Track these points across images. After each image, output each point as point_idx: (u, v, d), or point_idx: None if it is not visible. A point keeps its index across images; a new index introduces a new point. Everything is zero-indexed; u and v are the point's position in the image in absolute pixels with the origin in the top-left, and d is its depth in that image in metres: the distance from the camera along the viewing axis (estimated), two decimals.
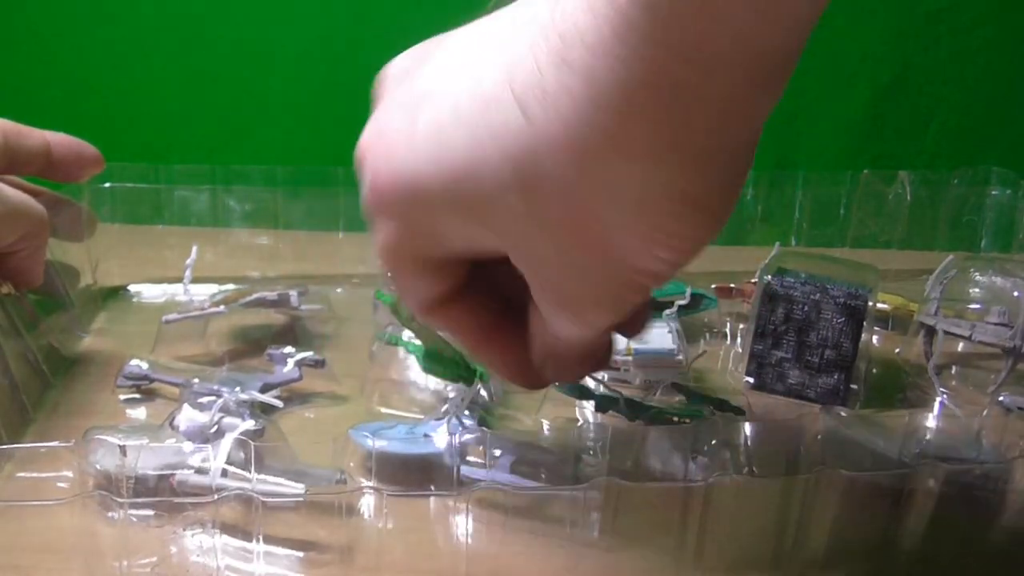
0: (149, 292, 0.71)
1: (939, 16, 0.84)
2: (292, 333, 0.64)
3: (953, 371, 0.62)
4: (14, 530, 0.41)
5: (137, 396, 0.55)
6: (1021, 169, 0.75)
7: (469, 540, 0.41)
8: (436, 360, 0.56)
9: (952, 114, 0.88)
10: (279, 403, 0.49)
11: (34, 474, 0.41)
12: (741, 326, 0.68)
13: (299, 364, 0.56)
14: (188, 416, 0.45)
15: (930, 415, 0.57)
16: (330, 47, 0.84)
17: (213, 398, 0.46)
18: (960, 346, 0.63)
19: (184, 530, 0.40)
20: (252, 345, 0.62)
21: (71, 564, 0.40)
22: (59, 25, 0.82)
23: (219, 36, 0.83)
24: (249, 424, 0.44)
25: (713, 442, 0.50)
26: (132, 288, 0.71)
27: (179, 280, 0.65)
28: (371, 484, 0.39)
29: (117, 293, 0.71)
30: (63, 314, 0.62)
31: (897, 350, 0.65)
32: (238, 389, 0.47)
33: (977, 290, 0.73)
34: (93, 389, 0.57)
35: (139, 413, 0.54)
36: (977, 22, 0.85)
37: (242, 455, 0.43)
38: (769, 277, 0.59)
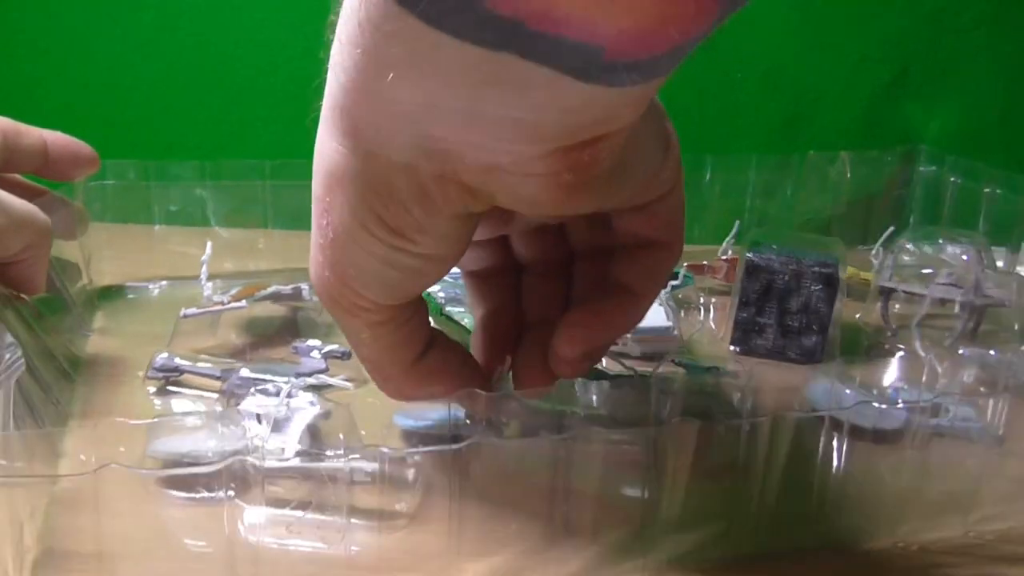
0: (144, 289, 0.71)
1: (939, 16, 0.89)
2: (305, 325, 0.66)
3: (911, 328, 0.69)
4: (92, 517, 0.41)
5: (171, 388, 0.56)
6: (1021, 168, 0.79)
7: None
8: None
9: (952, 115, 0.93)
10: (349, 385, 0.51)
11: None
12: (714, 299, 0.74)
13: (325, 356, 0.57)
14: (255, 401, 0.46)
15: (895, 367, 0.64)
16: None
17: (278, 382, 0.48)
18: (911, 305, 0.70)
19: (264, 506, 0.41)
20: (264, 338, 0.64)
21: (149, 544, 0.41)
22: (54, 23, 0.80)
23: (216, 34, 0.83)
24: (317, 408, 0.46)
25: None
26: (127, 285, 0.71)
27: (182, 278, 0.65)
28: (488, 429, 0.41)
29: (111, 291, 0.71)
30: (67, 314, 0.62)
31: (857, 315, 0.71)
32: (296, 376, 0.49)
33: (914, 259, 0.80)
34: (116, 385, 0.57)
35: (175, 405, 0.55)
36: (977, 22, 0.89)
37: (311, 437, 0.46)
38: (750, 254, 0.65)
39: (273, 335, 0.64)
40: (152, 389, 0.56)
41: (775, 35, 0.90)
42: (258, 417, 0.46)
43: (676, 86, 0.96)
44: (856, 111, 0.93)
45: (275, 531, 0.43)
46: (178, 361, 0.56)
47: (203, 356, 0.60)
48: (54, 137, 0.60)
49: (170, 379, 0.56)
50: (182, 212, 0.72)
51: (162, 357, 0.56)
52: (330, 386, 0.50)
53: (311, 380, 0.48)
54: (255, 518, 0.43)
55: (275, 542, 0.43)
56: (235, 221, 0.74)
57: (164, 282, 0.71)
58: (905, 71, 0.91)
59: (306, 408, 0.46)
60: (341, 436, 0.42)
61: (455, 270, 0.70)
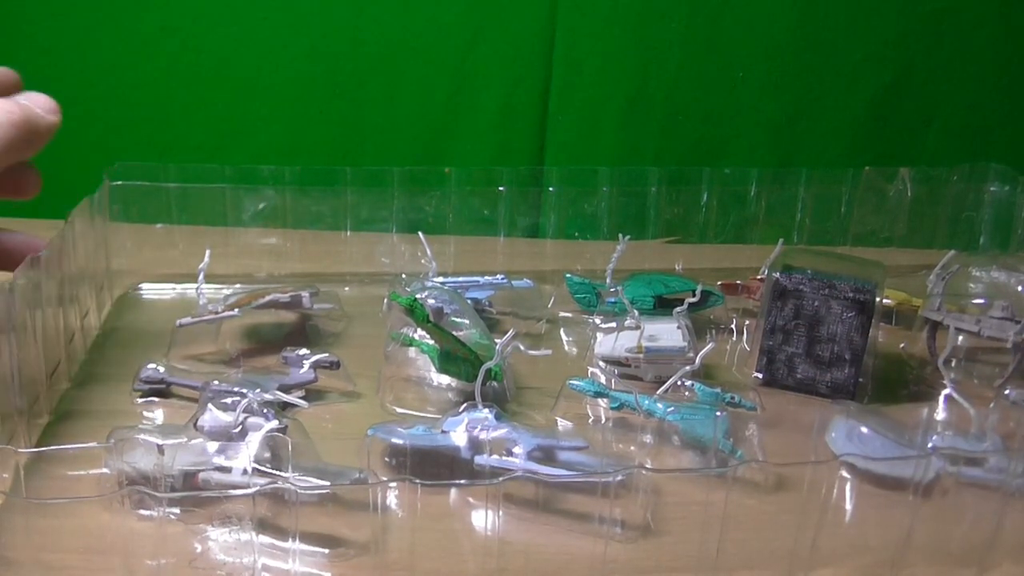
0: (159, 291, 0.71)
1: (941, 16, 0.85)
2: (304, 333, 0.65)
3: (952, 364, 0.63)
4: (51, 529, 0.41)
5: (154, 399, 0.55)
6: (1022, 168, 0.75)
7: (498, 531, 0.42)
8: (451, 361, 0.56)
9: (954, 114, 0.88)
10: (304, 404, 0.49)
11: (70, 472, 0.41)
12: (747, 322, 0.69)
13: (314, 366, 0.56)
14: (212, 416, 0.45)
15: (939, 408, 0.58)
16: (335, 46, 0.84)
17: (236, 399, 0.46)
18: (960, 339, 0.64)
19: (218, 526, 0.40)
20: (265, 345, 0.63)
21: (108, 561, 0.40)
22: (55, 24, 0.82)
23: (226, 35, 0.83)
24: (274, 423, 0.45)
25: (732, 436, 0.51)
26: (143, 287, 0.71)
27: (189, 278, 0.65)
28: (402, 477, 0.39)
29: (128, 292, 0.71)
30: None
31: (902, 345, 0.66)
32: (258, 390, 0.47)
33: (978, 285, 0.74)
34: (108, 390, 0.57)
35: (156, 415, 0.54)
36: (979, 22, 0.85)
37: (266, 454, 0.44)
38: (777, 274, 0.60)
39: (275, 343, 0.62)
40: (139, 400, 0.55)
41: (776, 34, 0.86)
42: (208, 435, 0.44)
43: (678, 85, 0.93)
44: (858, 110, 0.88)
45: (239, 549, 0.41)
46: (163, 372, 0.55)
47: (195, 364, 0.59)
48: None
49: (156, 389, 0.55)
50: (201, 214, 0.72)
51: (148, 369, 0.55)
52: (288, 404, 0.49)
53: (268, 396, 0.46)
54: (220, 535, 0.41)
55: (235, 557, 0.42)
56: (255, 223, 0.73)
57: (180, 283, 0.71)
58: (906, 71, 0.86)
59: (262, 425, 0.44)
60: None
61: (456, 278, 0.68)
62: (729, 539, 0.42)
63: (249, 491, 0.39)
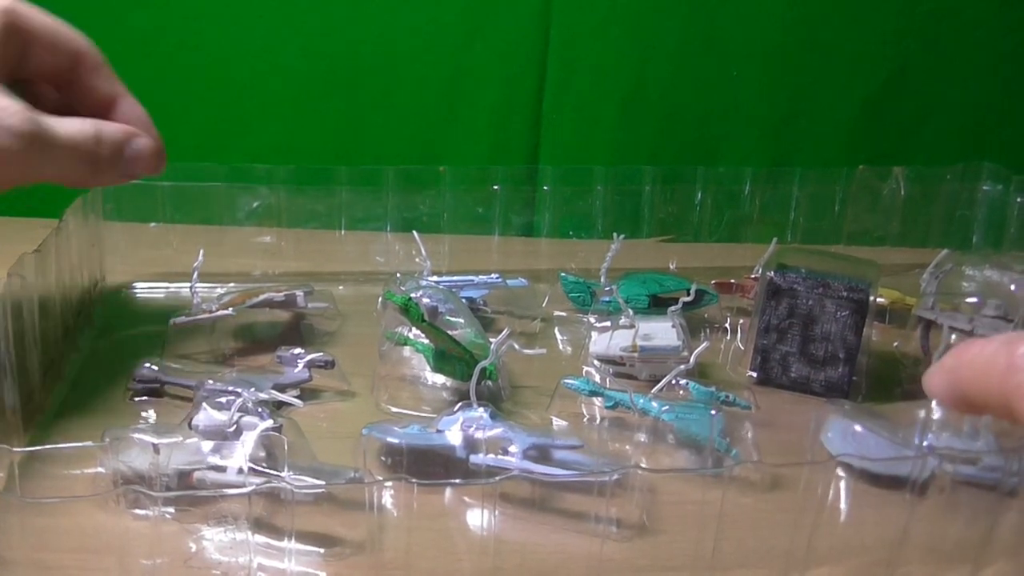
0: (154, 290, 0.71)
1: (937, 16, 0.85)
2: (298, 332, 0.65)
3: None
4: (46, 528, 0.41)
5: (148, 398, 0.55)
6: (1018, 167, 0.76)
7: (493, 530, 0.42)
8: (446, 360, 0.56)
9: (948, 113, 0.89)
10: (299, 403, 0.49)
11: (65, 472, 0.41)
12: (741, 321, 0.69)
13: (309, 365, 0.56)
14: (207, 416, 0.45)
15: (932, 406, 0.58)
16: (330, 46, 0.84)
17: (231, 398, 0.46)
18: (954, 337, 0.64)
19: (213, 525, 0.40)
20: (260, 344, 0.63)
21: (103, 561, 0.40)
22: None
23: (220, 35, 0.83)
24: (269, 423, 0.45)
25: (727, 435, 0.51)
26: (137, 286, 0.71)
27: (183, 278, 0.65)
28: (398, 476, 0.40)
29: (122, 291, 0.71)
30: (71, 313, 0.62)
31: (895, 343, 0.66)
32: (253, 389, 0.47)
33: (971, 284, 0.74)
34: (103, 389, 0.57)
35: (150, 414, 0.54)
36: (974, 23, 0.86)
37: (261, 453, 0.44)
38: (771, 273, 0.60)
39: (270, 342, 0.62)
40: (133, 399, 0.55)
41: (772, 34, 0.86)
42: (203, 434, 0.44)
43: (673, 83, 0.93)
44: (852, 110, 0.89)
45: (234, 549, 0.41)
46: (157, 371, 0.55)
47: (190, 363, 0.59)
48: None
49: (151, 389, 0.55)
50: (196, 213, 0.72)
51: (144, 368, 0.55)
52: (283, 403, 0.49)
53: (262, 395, 0.47)
54: (215, 534, 0.41)
55: (230, 557, 0.42)
56: (249, 223, 0.73)
57: (174, 283, 0.71)
58: (901, 71, 0.87)
59: (256, 424, 0.44)
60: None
61: (451, 278, 0.69)
62: (725, 538, 0.42)
63: (244, 490, 0.38)
